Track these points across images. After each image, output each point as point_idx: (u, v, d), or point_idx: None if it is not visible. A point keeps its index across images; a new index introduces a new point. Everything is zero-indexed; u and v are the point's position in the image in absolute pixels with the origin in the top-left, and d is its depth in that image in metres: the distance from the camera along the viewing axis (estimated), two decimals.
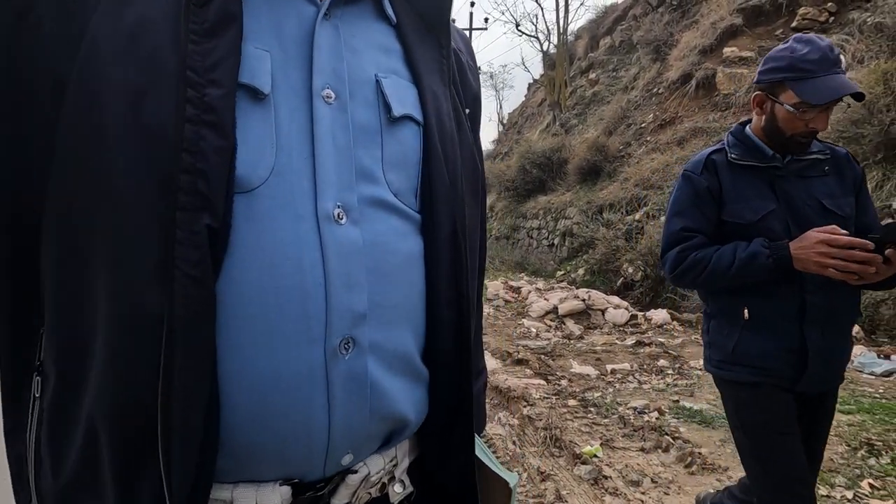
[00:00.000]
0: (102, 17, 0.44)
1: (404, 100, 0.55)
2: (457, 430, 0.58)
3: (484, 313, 6.02)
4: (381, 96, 0.54)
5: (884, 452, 2.39)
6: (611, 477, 2.41)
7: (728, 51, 8.96)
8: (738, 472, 2.40)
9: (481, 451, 0.65)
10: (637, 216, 7.74)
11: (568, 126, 14.45)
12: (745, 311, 1.40)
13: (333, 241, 0.48)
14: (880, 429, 2.58)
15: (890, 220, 1.04)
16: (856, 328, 4.21)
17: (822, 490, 2.19)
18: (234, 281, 0.44)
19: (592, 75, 15.48)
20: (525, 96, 25.83)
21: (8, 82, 0.44)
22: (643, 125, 10.28)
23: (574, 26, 19.07)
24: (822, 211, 1.38)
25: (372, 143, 0.52)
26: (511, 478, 0.64)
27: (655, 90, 10.74)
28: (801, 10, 8.36)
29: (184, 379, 0.41)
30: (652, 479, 2.38)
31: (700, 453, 2.53)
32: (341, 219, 0.48)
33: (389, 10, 0.58)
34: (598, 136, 10.90)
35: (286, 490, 0.48)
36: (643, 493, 2.28)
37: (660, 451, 2.63)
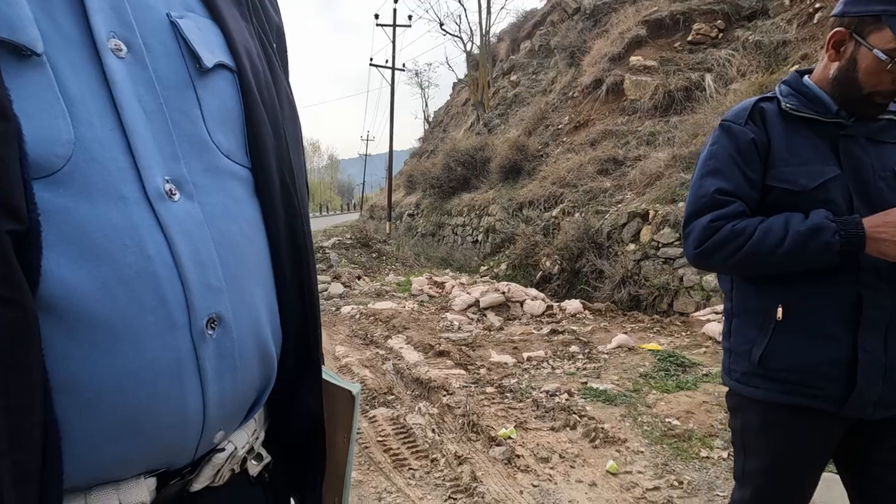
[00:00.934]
0: None
1: (211, 44, 0.49)
2: (304, 379, 0.59)
3: (409, 308, 6.08)
4: (182, 43, 0.47)
5: None
6: (523, 455, 2.55)
7: (634, 59, 9.64)
8: (635, 443, 2.64)
9: (324, 372, 0.64)
10: (554, 213, 8.14)
11: (491, 126, 14.84)
12: (779, 309, 1.10)
13: (173, 220, 0.43)
14: None
15: None
16: None
17: (703, 452, 2.47)
18: (63, 285, 0.38)
19: (513, 77, 16.00)
20: (450, 95, 26.15)
21: None
22: (560, 126, 10.81)
23: (496, 28, 19.61)
24: None
25: (187, 101, 0.46)
26: (354, 388, 0.65)
27: (571, 94, 11.32)
28: (696, 26, 9.18)
29: (5, 417, 0.34)
30: (560, 455, 2.55)
31: (603, 428, 2.75)
32: (174, 195, 0.44)
33: None
34: (519, 136, 11.31)
35: (152, 482, 0.46)
36: (552, 468, 2.45)
37: (568, 429, 2.82)
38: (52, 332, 0.37)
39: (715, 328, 4.38)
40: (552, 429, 2.85)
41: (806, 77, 1.17)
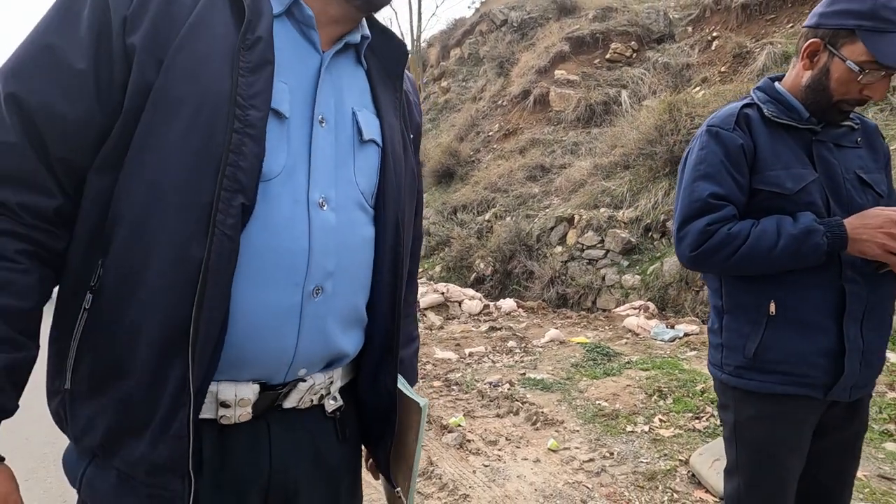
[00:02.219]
0: (178, 50, 0.63)
1: (371, 128, 0.78)
2: (384, 365, 0.80)
3: None
4: (356, 124, 0.76)
5: (668, 395, 3.14)
6: (473, 440, 2.78)
7: (558, 73, 10.27)
8: (571, 423, 2.95)
9: (403, 384, 0.87)
10: (487, 216, 8.50)
11: (423, 130, 15.07)
12: (772, 304, 1.16)
13: (317, 220, 0.69)
14: (667, 379, 3.37)
15: None
16: (651, 305, 5.27)
17: (628, 427, 2.83)
18: (251, 240, 0.64)
19: (444, 83, 16.33)
20: None
21: (113, 73, 0.64)
22: (490, 133, 11.24)
23: (427, 34, 19.89)
24: (862, 185, 1.17)
25: (348, 156, 0.75)
26: (423, 401, 0.84)
27: (500, 102, 11.80)
28: (613, 45, 9.96)
29: (211, 302, 0.61)
30: (506, 438, 2.80)
31: (542, 412, 3.04)
32: (324, 206, 0.70)
33: (363, 60, 0.81)
34: (452, 142, 11.61)
35: (256, 387, 0.68)
36: (500, 450, 2.69)
37: (511, 414, 3.09)
38: (238, 268, 0.63)
39: (633, 322, 4.87)
40: (497, 415, 3.10)
41: (777, 84, 1.24)
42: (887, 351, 3.26)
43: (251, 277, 0.65)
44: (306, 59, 0.73)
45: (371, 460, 0.90)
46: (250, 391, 0.68)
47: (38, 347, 0.65)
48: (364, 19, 0.81)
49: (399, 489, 0.85)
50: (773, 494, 1.21)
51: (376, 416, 0.82)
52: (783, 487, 1.21)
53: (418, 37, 17.66)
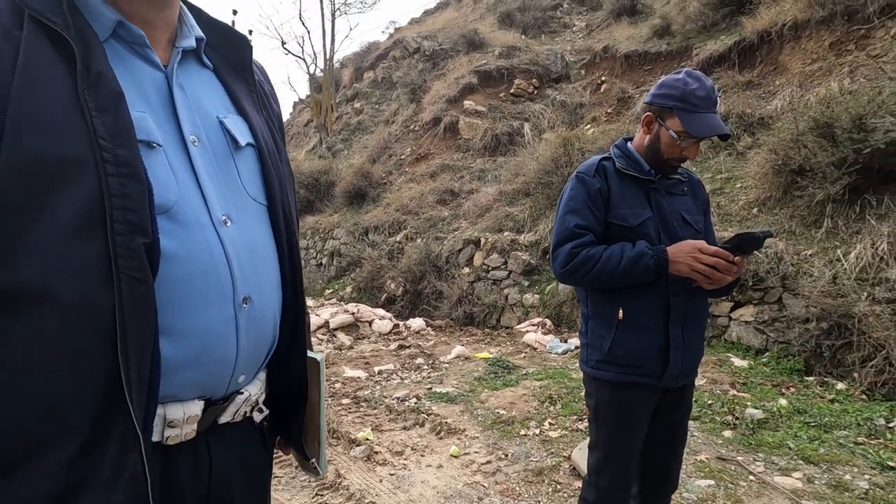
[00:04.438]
0: (16, 108, 0.57)
1: (242, 132, 0.78)
2: (294, 345, 0.85)
3: None
4: (227, 133, 0.77)
5: (558, 402, 3.50)
6: (380, 452, 2.92)
7: (467, 103, 10.85)
8: (472, 431, 3.19)
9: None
10: (398, 238, 8.69)
11: (334, 150, 15.01)
12: (620, 311, 1.48)
13: (227, 238, 0.72)
14: (557, 387, 3.74)
15: (738, 233, 1.43)
16: (548, 322, 5.74)
17: (522, 431, 3.12)
18: (173, 271, 0.66)
19: (357, 104, 16.46)
20: (290, 114, 25.55)
21: None
22: (402, 157, 11.54)
23: (339, 55, 19.95)
24: (684, 223, 1.54)
25: (229, 166, 0.76)
26: (319, 356, 0.92)
27: (412, 127, 12.17)
28: (517, 81, 10.75)
29: (136, 347, 0.61)
30: (412, 448, 2.98)
31: (446, 422, 3.25)
32: (228, 223, 0.72)
33: (206, 60, 0.80)
34: (364, 163, 11.73)
35: (201, 404, 0.72)
36: (406, 459, 2.86)
37: (417, 426, 3.27)
38: (161, 299, 0.64)
39: (532, 337, 5.28)
40: (404, 428, 3.26)
41: (628, 143, 1.61)
42: (734, 357, 3.84)
43: (185, 304, 0.67)
44: (151, 80, 0.70)
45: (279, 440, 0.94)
46: (197, 408, 0.71)
47: None
48: (192, 19, 0.78)
49: (314, 459, 0.92)
50: (624, 462, 1.54)
51: (288, 396, 0.88)
52: (630, 457, 1.55)
53: (331, 57, 17.70)
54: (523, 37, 12.37)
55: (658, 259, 1.43)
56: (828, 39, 6.25)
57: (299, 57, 29.58)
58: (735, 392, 3.43)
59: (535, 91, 10.67)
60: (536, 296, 6.23)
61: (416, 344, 5.39)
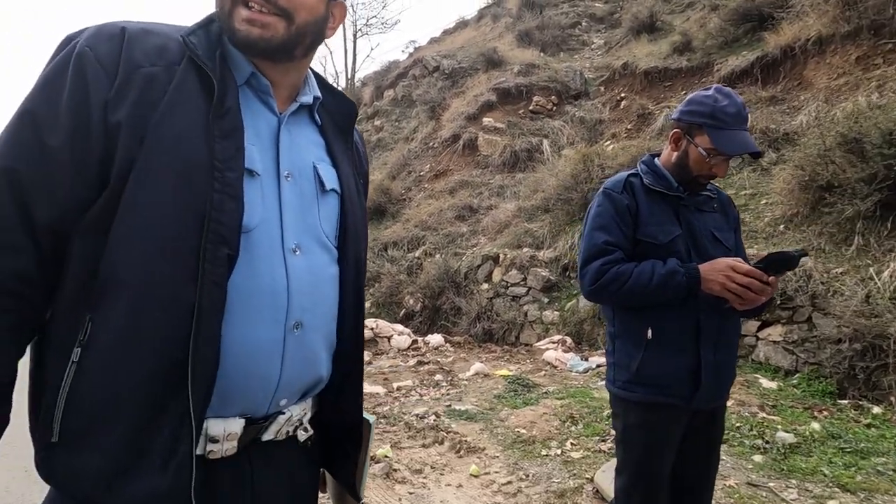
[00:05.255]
0: (157, 126, 0.71)
1: (330, 179, 0.88)
2: (349, 387, 0.90)
3: None
4: (317, 176, 0.86)
5: (580, 421, 3.43)
6: (399, 469, 2.89)
7: (486, 120, 10.92)
8: (492, 450, 3.14)
9: None
10: (417, 253, 8.72)
11: None
12: (649, 330, 1.45)
13: (292, 265, 0.79)
14: (579, 406, 3.67)
15: (771, 252, 1.40)
16: (568, 339, 5.66)
17: (543, 451, 3.06)
18: (236, 284, 0.73)
19: (377, 122, 16.70)
20: None
21: (100, 150, 0.72)
22: (422, 173, 11.63)
23: (361, 74, 20.34)
24: (714, 241, 1.51)
25: (312, 205, 0.85)
26: (371, 418, 0.97)
27: (431, 144, 12.28)
28: (535, 98, 10.80)
29: (205, 342, 0.69)
30: (431, 466, 2.94)
31: (466, 441, 3.21)
32: (297, 252, 0.80)
33: (317, 117, 0.91)
34: (383, 180, 11.85)
35: (242, 422, 0.76)
36: (425, 477, 2.82)
37: (437, 444, 3.23)
38: (227, 310, 0.72)
39: (552, 355, 5.21)
40: (423, 445, 3.23)
41: (656, 159, 1.59)
42: (762, 378, 3.73)
43: (238, 318, 0.72)
44: (266, 121, 0.82)
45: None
46: (237, 425, 0.75)
47: (10, 405, 0.72)
48: (315, 81, 0.92)
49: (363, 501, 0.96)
50: (652, 487, 1.50)
51: (342, 436, 0.91)
52: (659, 482, 1.50)
53: (352, 76, 18.06)
54: (542, 54, 12.45)
55: (690, 277, 1.40)
56: (854, 54, 6.15)
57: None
58: (764, 415, 3.32)
59: (554, 108, 10.69)
60: (556, 313, 6.16)
61: (435, 360, 5.36)
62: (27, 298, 0.70)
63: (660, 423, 1.48)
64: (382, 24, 23.54)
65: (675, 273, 1.41)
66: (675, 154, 1.53)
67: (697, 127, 1.46)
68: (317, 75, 0.94)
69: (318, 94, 0.91)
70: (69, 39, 0.75)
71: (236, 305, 0.72)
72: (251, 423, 0.77)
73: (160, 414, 0.68)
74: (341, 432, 0.91)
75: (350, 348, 0.89)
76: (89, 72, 0.71)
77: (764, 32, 7.46)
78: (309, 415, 0.87)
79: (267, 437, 0.80)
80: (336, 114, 0.94)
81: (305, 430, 0.86)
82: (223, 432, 0.74)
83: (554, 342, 5.69)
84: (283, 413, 0.81)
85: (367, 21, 22.34)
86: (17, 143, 0.70)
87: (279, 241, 0.78)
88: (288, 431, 0.83)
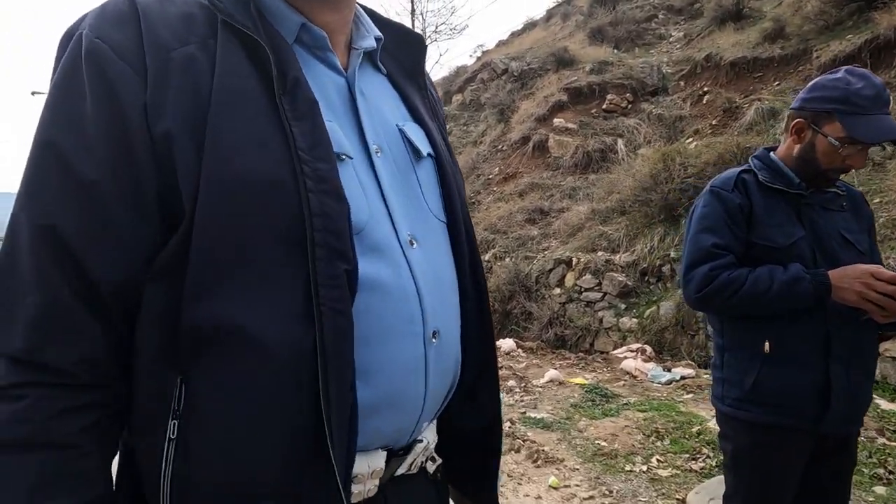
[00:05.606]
0: (216, 125, 0.52)
1: (422, 141, 0.69)
2: (483, 381, 0.72)
3: None
4: (407, 142, 0.68)
5: (666, 436, 3.23)
6: None
7: (557, 121, 10.69)
8: (571, 462, 3.02)
9: None
10: (487, 257, 8.67)
11: None
12: (767, 343, 1.31)
13: (415, 262, 0.62)
14: (664, 420, 3.45)
15: None
16: (648, 348, 5.37)
17: (627, 466, 2.90)
18: (365, 301, 0.56)
19: (447, 127, 16.87)
20: None
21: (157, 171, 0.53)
22: (491, 176, 11.57)
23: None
24: (845, 243, 1.34)
25: (411, 179, 0.67)
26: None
27: (500, 147, 12.20)
28: (609, 96, 10.43)
29: (339, 389, 0.52)
30: (508, 475, 2.87)
31: (543, 450, 3.11)
32: (413, 244, 0.63)
33: (380, 65, 0.72)
34: None
35: (384, 454, 0.62)
36: (502, 486, 2.75)
37: (513, 452, 3.16)
38: (357, 337, 0.55)
39: (630, 364, 4.96)
40: None
41: (772, 153, 1.43)
42: (879, 398, 3.35)
43: (375, 340, 0.57)
44: (335, 86, 0.64)
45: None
46: (381, 460, 0.61)
47: None
48: (368, 19, 0.71)
49: None
50: None
51: (476, 445, 0.76)
52: None
53: None
54: (615, 51, 12.03)
55: (818, 285, 1.25)
56: None
57: None
58: (885, 440, 2.95)
59: (629, 105, 10.27)
60: (634, 320, 5.88)
61: (508, 365, 5.28)
62: (103, 387, 0.53)
63: (778, 447, 1.33)
64: (451, 29, 23.80)
65: (799, 280, 1.26)
66: (798, 147, 1.36)
67: (826, 115, 1.30)
68: (363, 7, 0.73)
69: (378, 33, 0.71)
70: (70, 34, 0.56)
71: (369, 326, 0.57)
72: (392, 455, 0.64)
73: (299, 495, 0.54)
74: (475, 439, 0.75)
75: (479, 334, 0.72)
76: (110, 71, 0.52)
77: (873, 12, 6.74)
78: (434, 443, 0.72)
79: (401, 470, 0.66)
80: (401, 55, 0.75)
81: (433, 459, 0.72)
82: (367, 470, 0.60)
83: (632, 351, 5.42)
84: (421, 441, 0.67)
85: (437, 28, 22.65)
86: (43, 189, 0.52)
87: (394, 235, 0.62)
88: (420, 462, 0.69)
